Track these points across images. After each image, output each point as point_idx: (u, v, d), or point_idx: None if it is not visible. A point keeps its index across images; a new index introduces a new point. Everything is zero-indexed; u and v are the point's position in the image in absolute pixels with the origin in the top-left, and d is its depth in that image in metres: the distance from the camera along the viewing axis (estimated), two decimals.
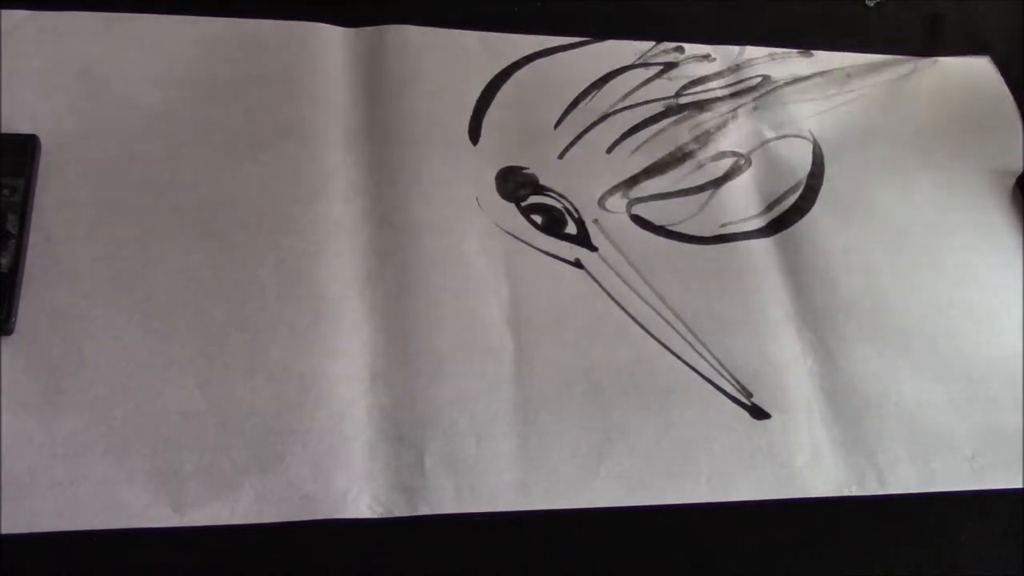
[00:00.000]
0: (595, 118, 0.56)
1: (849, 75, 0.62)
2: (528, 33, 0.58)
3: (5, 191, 0.45)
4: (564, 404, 0.45)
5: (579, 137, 0.55)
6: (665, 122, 0.57)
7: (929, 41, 0.65)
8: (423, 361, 0.45)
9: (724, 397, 0.47)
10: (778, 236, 0.54)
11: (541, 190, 0.52)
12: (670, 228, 0.53)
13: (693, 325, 0.49)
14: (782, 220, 0.54)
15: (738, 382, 0.48)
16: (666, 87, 0.58)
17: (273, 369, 0.43)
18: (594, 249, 0.51)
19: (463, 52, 0.56)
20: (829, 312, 0.51)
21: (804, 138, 0.58)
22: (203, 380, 0.43)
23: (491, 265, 0.49)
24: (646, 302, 0.50)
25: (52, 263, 0.44)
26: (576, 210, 0.52)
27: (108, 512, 0.39)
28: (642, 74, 0.59)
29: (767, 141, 0.57)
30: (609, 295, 0.49)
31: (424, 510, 0.42)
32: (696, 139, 0.57)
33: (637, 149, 0.55)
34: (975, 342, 0.52)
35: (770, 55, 0.62)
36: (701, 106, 0.58)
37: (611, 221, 0.52)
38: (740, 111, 0.58)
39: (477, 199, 0.51)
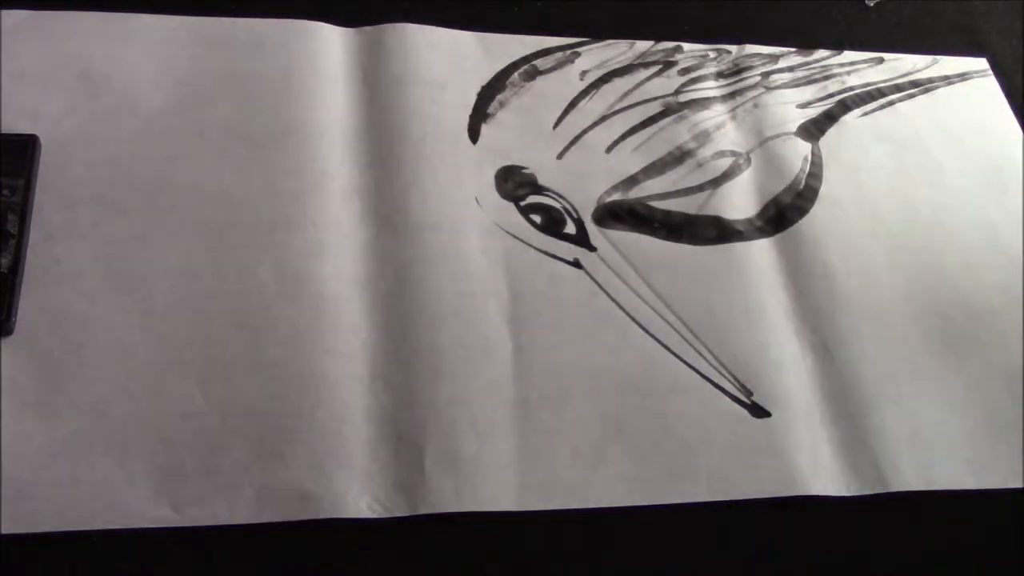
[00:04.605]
0: (594, 118, 0.56)
1: (848, 75, 0.62)
2: (528, 33, 0.58)
3: (5, 191, 0.45)
4: (563, 404, 0.45)
5: (578, 137, 0.55)
6: (664, 121, 0.57)
7: (928, 41, 0.65)
8: (423, 360, 0.45)
9: (724, 396, 0.47)
10: (777, 235, 0.54)
11: (540, 190, 0.52)
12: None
13: (692, 324, 0.49)
14: (781, 219, 0.54)
15: (738, 381, 0.48)
16: (665, 86, 0.58)
17: (273, 368, 0.43)
18: (593, 249, 0.51)
19: (463, 51, 0.56)
20: (828, 311, 0.51)
21: (803, 138, 0.58)
22: (203, 379, 0.43)
23: (491, 264, 0.49)
24: (645, 302, 0.50)
25: (52, 263, 0.44)
26: (575, 210, 0.52)
27: (108, 512, 0.39)
28: (641, 73, 0.59)
29: (766, 140, 0.57)
30: (608, 295, 0.49)
31: (424, 510, 0.42)
32: (695, 138, 0.57)
33: (636, 149, 0.55)
34: (974, 342, 0.52)
35: (769, 55, 0.62)
36: (700, 105, 0.58)
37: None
38: (739, 110, 0.58)
39: (477, 198, 0.51)
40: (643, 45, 0.60)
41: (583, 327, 0.48)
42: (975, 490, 0.47)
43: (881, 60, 0.63)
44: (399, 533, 0.41)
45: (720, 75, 0.60)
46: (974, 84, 0.64)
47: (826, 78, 0.61)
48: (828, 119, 0.60)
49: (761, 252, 0.53)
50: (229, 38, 0.53)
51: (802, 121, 0.59)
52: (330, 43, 0.54)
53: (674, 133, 0.56)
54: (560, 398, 0.46)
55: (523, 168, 0.53)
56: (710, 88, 0.59)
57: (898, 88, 0.62)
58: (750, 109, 0.59)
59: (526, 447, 0.44)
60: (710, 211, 0.54)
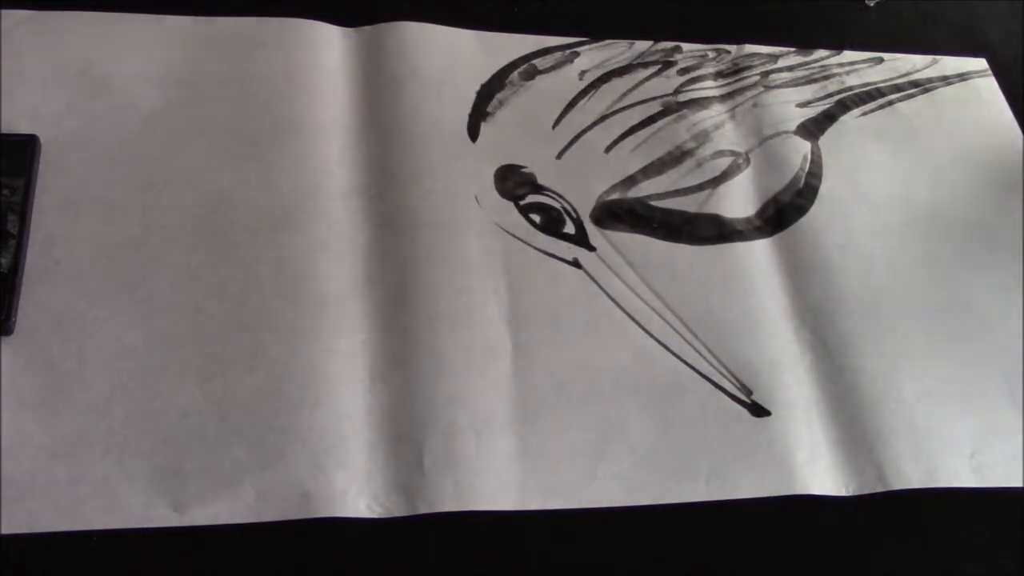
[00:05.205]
0: (593, 118, 0.56)
1: (848, 74, 0.62)
2: (527, 32, 0.58)
3: (5, 191, 0.45)
4: (563, 403, 0.45)
5: (577, 137, 0.55)
6: (663, 121, 0.57)
7: (928, 41, 0.65)
8: (422, 360, 0.45)
9: (723, 395, 0.47)
10: (777, 235, 0.54)
11: (539, 189, 0.52)
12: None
13: (692, 324, 0.49)
14: (781, 218, 0.54)
15: (738, 380, 0.48)
16: (664, 86, 0.58)
17: (273, 368, 0.43)
18: (592, 249, 0.51)
19: (462, 50, 0.56)
20: (827, 311, 0.51)
21: (803, 137, 0.58)
22: (203, 379, 0.43)
23: (490, 264, 0.49)
24: (644, 301, 0.50)
25: (52, 263, 0.44)
26: (574, 210, 0.52)
27: (108, 512, 0.39)
28: (640, 73, 0.59)
29: (765, 140, 0.57)
30: (607, 295, 0.49)
31: (423, 509, 0.42)
32: (694, 138, 0.57)
33: (635, 148, 0.55)
34: (974, 341, 0.52)
35: (769, 54, 0.62)
36: (699, 105, 0.58)
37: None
38: (738, 110, 0.59)
39: (476, 197, 0.51)
40: (642, 45, 0.60)
41: (582, 327, 0.48)
42: (975, 489, 0.47)
43: (881, 60, 0.63)
44: (398, 533, 0.41)
45: (719, 75, 0.60)
46: (974, 84, 0.64)
47: (825, 78, 0.61)
48: (827, 119, 0.60)
49: (761, 251, 0.53)
50: (229, 38, 0.53)
51: (801, 120, 0.59)
52: (330, 42, 0.54)
53: (673, 133, 0.56)
54: (560, 398, 0.46)
55: (522, 167, 0.53)
56: (709, 88, 0.59)
57: (897, 88, 0.62)
58: (749, 109, 0.59)
59: (526, 447, 0.44)
60: (709, 210, 0.54)
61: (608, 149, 0.55)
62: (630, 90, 0.58)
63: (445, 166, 0.51)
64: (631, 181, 0.54)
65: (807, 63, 0.62)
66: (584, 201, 0.52)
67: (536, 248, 0.50)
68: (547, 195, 0.52)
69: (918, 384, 0.50)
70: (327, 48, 0.54)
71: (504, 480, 0.43)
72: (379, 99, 0.53)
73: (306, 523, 0.40)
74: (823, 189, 0.56)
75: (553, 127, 0.55)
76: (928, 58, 0.64)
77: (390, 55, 0.55)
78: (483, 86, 0.55)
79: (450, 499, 0.42)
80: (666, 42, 0.60)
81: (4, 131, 0.47)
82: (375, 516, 0.41)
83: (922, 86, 0.63)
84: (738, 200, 0.55)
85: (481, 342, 0.46)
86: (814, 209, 0.55)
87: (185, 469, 0.41)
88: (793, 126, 0.59)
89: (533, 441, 0.44)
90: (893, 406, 0.48)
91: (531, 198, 0.52)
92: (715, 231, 0.53)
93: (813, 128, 0.59)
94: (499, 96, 0.55)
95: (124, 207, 0.46)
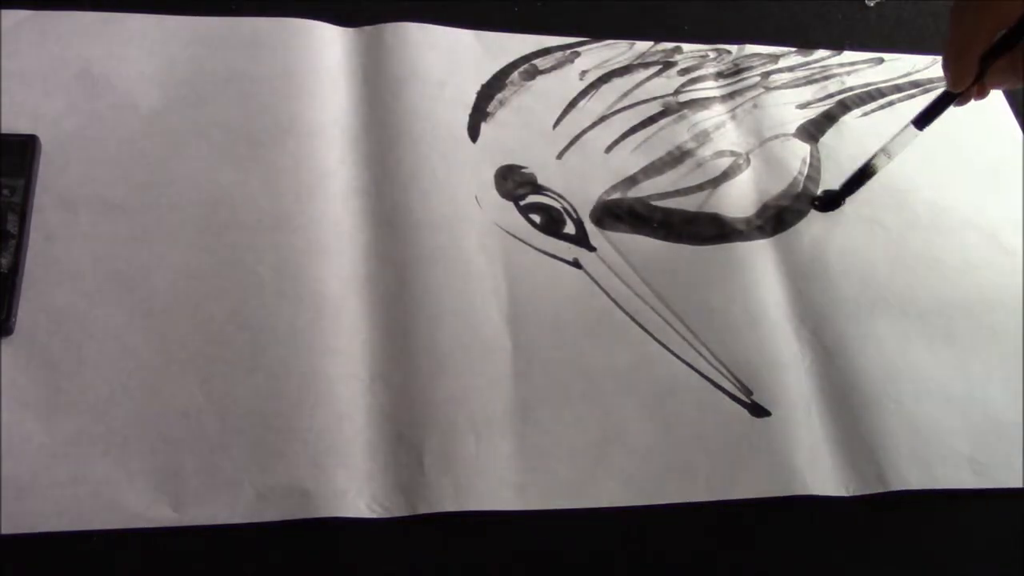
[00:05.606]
0: (594, 118, 0.56)
1: (848, 75, 0.62)
2: (528, 32, 0.58)
3: (5, 191, 0.45)
4: (562, 403, 0.45)
5: (578, 137, 0.55)
6: (664, 121, 0.57)
7: (928, 41, 0.65)
8: (422, 360, 0.45)
9: (723, 395, 0.47)
10: (777, 235, 0.54)
11: (540, 189, 0.52)
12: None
13: (692, 324, 0.49)
14: (781, 220, 0.54)
15: (737, 380, 0.48)
16: (664, 86, 0.58)
17: (273, 368, 0.43)
18: (592, 249, 0.51)
19: (462, 50, 0.56)
20: (827, 311, 0.51)
21: (802, 139, 0.58)
22: (203, 379, 0.43)
23: (490, 264, 0.49)
24: (645, 302, 0.50)
25: (52, 263, 0.44)
26: (575, 210, 0.52)
27: (108, 512, 0.39)
28: (641, 73, 0.59)
29: (765, 141, 0.57)
30: (608, 295, 0.49)
31: (423, 509, 0.42)
32: (695, 138, 0.57)
33: (636, 149, 0.55)
34: (974, 341, 0.52)
35: (769, 55, 0.62)
36: (700, 105, 0.58)
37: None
38: (739, 111, 0.59)
39: (476, 197, 0.51)
40: (643, 45, 0.60)
41: (582, 327, 0.48)
42: (975, 490, 0.47)
43: (881, 60, 0.63)
44: (398, 533, 0.41)
45: (720, 75, 0.60)
46: None
47: (826, 78, 0.61)
48: (828, 119, 0.60)
49: (761, 252, 0.53)
50: (229, 38, 0.53)
51: (801, 122, 0.59)
52: (330, 42, 0.54)
53: (673, 133, 0.56)
54: (559, 398, 0.46)
55: (523, 167, 0.53)
56: (710, 88, 0.59)
57: (898, 88, 0.62)
58: (750, 109, 0.59)
59: (526, 447, 0.44)
60: (709, 210, 0.54)
61: (608, 149, 0.55)
62: (630, 90, 0.58)
63: (445, 166, 0.51)
64: (631, 181, 0.54)
65: (807, 63, 0.62)
66: (584, 201, 0.52)
67: (536, 248, 0.50)
68: (547, 195, 0.52)
69: (918, 384, 0.50)
70: (327, 48, 0.54)
71: (504, 480, 0.43)
72: (379, 99, 0.53)
73: (306, 523, 0.40)
74: (823, 190, 0.56)
75: (553, 127, 0.55)
76: (928, 58, 0.64)
77: (390, 55, 0.55)
78: (483, 86, 0.55)
79: (450, 499, 0.42)
80: (667, 42, 0.60)
81: (4, 131, 0.47)
82: (375, 516, 0.41)
83: (922, 86, 0.63)
84: (738, 200, 0.55)
85: (481, 342, 0.46)
86: (814, 209, 0.55)
87: (185, 469, 0.41)
88: (793, 128, 0.59)
89: (533, 441, 0.44)
90: (893, 406, 0.48)
91: (531, 198, 0.52)
92: (715, 231, 0.53)
93: (813, 130, 0.59)
94: (499, 96, 0.55)
95: (124, 207, 0.46)
